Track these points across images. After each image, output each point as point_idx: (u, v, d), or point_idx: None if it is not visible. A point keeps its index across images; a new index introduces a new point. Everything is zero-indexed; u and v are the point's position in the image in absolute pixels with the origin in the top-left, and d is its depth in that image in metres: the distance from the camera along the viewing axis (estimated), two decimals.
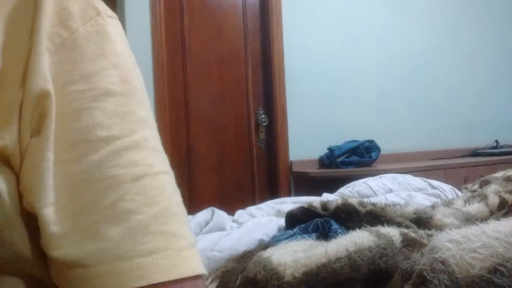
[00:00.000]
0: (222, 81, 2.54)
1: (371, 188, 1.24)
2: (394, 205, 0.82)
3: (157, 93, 2.28)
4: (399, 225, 0.71)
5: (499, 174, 1.19)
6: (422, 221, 0.76)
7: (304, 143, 2.64)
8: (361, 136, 2.65)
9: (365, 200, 0.84)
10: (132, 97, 0.36)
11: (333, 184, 1.54)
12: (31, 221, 0.32)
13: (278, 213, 1.12)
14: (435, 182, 1.30)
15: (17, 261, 0.31)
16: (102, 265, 0.30)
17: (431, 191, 1.25)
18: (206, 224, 1.04)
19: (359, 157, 2.49)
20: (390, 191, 1.24)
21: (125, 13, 2.25)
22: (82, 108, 0.33)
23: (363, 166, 2.46)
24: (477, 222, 0.63)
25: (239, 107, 2.58)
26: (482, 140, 3.14)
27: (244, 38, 2.60)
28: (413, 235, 0.62)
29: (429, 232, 0.68)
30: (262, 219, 1.02)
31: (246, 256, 0.71)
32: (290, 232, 0.79)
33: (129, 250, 0.31)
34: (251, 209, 1.19)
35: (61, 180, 0.32)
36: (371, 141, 2.57)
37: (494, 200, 0.89)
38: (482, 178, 1.21)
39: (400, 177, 1.33)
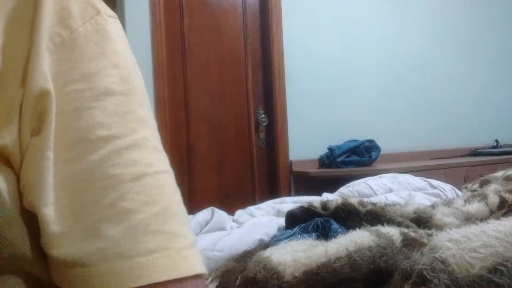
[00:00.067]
0: (222, 81, 2.54)
1: (371, 187, 1.24)
2: (394, 204, 0.82)
3: (157, 93, 2.28)
4: (399, 224, 0.72)
5: (499, 173, 1.19)
6: (422, 220, 0.76)
7: (304, 143, 2.64)
8: (361, 135, 2.65)
9: (365, 199, 0.84)
10: (132, 96, 0.36)
11: (333, 184, 1.54)
12: (31, 221, 0.32)
13: (278, 213, 1.12)
14: (435, 182, 1.30)
15: (17, 260, 0.31)
16: (102, 265, 0.30)
17: (431, 190, 1.25)
18: (206, 224, 1.04)
19: (359, 157, 2.49)
20: (390, 190, 1.24)
21: (125, 13, 2.25)
22: (82, 107, 0.33)
23: (363, 166, 2.46)
24: (477, 221, 0.63)
25: (239, 107, 2.58)
26: (482, 139, 3.14)
27: (244, 38, 2.60)
28: (413, 234, 0.62)
29: (429, 231, 0.68)
30: (262, 218, 1.02)
31: (246, 256, 0.71)
32: (290, 231, 0.79)
33: (129, 249, 0.31)
34: (251, 208, 1.19)
35: (61, 179, 0.32)
36: (371, 141, 2.57)
37: (494, 199, 0.89)
38: (482, 178, 1.21)
39: (400, 176, 1.33)
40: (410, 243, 0.60)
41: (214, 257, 0.80)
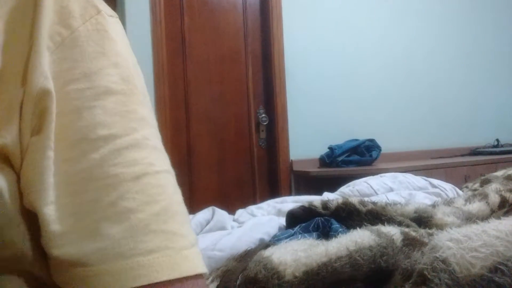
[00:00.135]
0: (222, 81, 2.54)
1: (371, 187, 1.24)
2: (395, 204, 0.82)
3: (157, 93, 2.28)
4: (399, 224, 0.71)
5: (500, 173, 1.19)
6: (422, 220, 0.76)
7: (304, 142, 2.64)
8: (362, 135, 2.65)
9: (366, 199, 0.84)
10: (132, 96, 0.36)
11: (333, 183, 1.54)
12: (32, 220, 0.32)
13: (278, 212, 1.12)
14: (435, 181, 1.30)
15: (18, 260, 0.31)
16: (103, 264, 0.30)
17: (431, 190, 1.25)
18: (207, 223, 1.04)
19: (360, 156, 2.49)
20: (391, 190, 1.24)
21: (125, 13, 2.25)
22: (82, 106, 0.33)
23: (364, 165, 2.46)
24: (477, 221, 0.63)
25: (240, 107, 2.58)
26: (483, 139, 3.14)
27: (244, 37, 2.60)
28: (413, 234, 0.62)
29: (429, 231, 0.67)
30: (263, 218, 1.02)
31: (246, 256, 0.71)
32: (291, 231, 0.79)
33: (130, 249, 0.31)
34: (252, 208, 1.19)
35: (62, 179, 0.32)
36: (371, 140, 2.57)
37: (494, 199, 0.89)
38: (482, 177, 1.21)
39: (400, 176, 1.32)
40: (410, 243, 0.60)
41: (215, 256, 0.80)
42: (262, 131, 2.63)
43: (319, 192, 1.33)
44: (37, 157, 0.32)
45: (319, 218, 0.78)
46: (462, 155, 2.89)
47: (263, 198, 1.76)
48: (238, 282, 0.56)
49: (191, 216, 1.07)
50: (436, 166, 2.41)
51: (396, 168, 2.11)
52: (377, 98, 2.89)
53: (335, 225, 0.74)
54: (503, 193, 0.92)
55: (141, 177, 0.33)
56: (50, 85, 0.33)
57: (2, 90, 0.32)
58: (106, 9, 0.38)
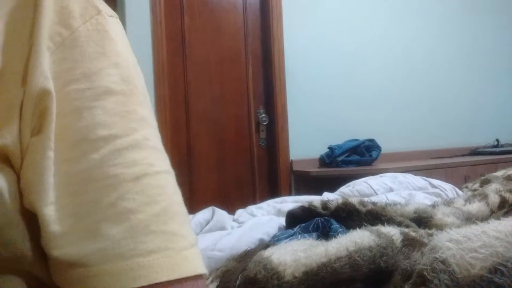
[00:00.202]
0: (222, 80, 2.54)
1: (371, 187, 1.24)
2: (395, 204, 0.82)
3: (157, 93, 2.28)
4: (399, 224, 0.71)
5: (500, 173, 1.19)
6: (422, 220, 0.76)
7: (304, 142, 2.64)
8: (362, 135, 2.65)
9: (366, 199, 0.84)
10: (132, 96, 0.36)
11: (333, 183, 1.54)
12: (32, 220, 0.32)
13: (278, 212, 1.12)
14: (435, 181, 1.30)
15: (18, 260, 0.31)
16: (103, 265, 0.30)
17: (431, 190, 1.25)
18: (207, 224, 1.04)
19: (360, 156, 2.48)
20: (391, 190, 1.24)
21: (125, 13, 2.25)
22: (82, 107, 0.33)
23: (364, 165, 2.46)
24: (477, 221, 0.63)
25: (240, 106, 2.58)
26: (482, 139, 3.14)
27: (244, 37, 2.60)
28: (413, 234, 0.62)
29: (429, 231, 0.67)
30: (263, 218, 1.02)
31: (246, 256, 0.71)
32: (291, 231, 0.79)
33: (130, 250, 0.31)
34: (252, 208, 1.19)
35: (62, 179, 0.32)
36: (371, 140, 2.57)
37: (494, 199, 0.89)
38: (482, 177, 1.21)
39: (400, 176, 1.32)
40: (410, 243, 0.60)
41: (215, 256, 0.80)
42: (262, 131, 2.63)
43: (319, 192, 1.33)
44: (37, 158, 0.32)
45: (319, 218, 0.78)
46: (462, 155, 2.89)
47: (263, 198, 1.76)
48: (237, 282, 0.56)
49: (191, 216, 1.07)
50: (436, 166, 2.41)
51: (396, 168, 2.11)
52: (377, 98, 2.89)
53: (335, 225, 0.74)
54: (503, 193, 0.92)
55: (141, 178, 0.33)
56: (50, 85, 0.33)
57: (2, 90, 0.32)
58: (106, 9, 0.38)
